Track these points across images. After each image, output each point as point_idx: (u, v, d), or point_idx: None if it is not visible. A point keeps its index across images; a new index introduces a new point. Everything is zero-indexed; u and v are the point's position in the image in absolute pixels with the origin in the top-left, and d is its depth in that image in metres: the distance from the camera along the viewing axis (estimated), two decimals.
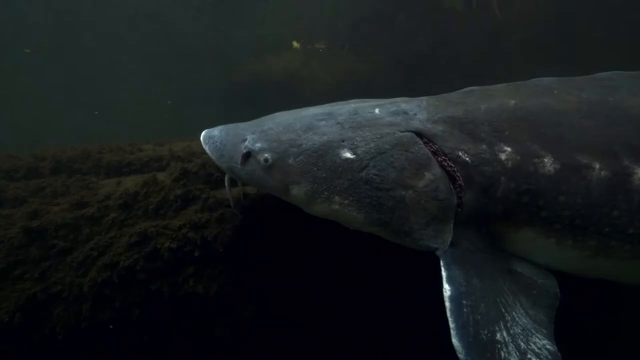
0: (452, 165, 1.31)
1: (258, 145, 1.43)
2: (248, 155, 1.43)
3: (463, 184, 1.31)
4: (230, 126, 1.56)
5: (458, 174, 1.31)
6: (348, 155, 1.34)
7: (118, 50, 9.82)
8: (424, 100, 1.51)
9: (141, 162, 2.10)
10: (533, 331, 1.16)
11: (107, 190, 1.85)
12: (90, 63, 9.69)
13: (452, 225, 1.31)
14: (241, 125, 1.56)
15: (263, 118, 1.60)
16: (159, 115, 8.19)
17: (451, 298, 1.17)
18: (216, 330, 1.62)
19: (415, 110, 1.45)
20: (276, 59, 6.88)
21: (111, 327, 1.50)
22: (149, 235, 1.59)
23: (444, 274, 1.23)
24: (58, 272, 1.56)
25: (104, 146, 2.22)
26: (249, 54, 7.26)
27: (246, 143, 1.45)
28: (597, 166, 1.23)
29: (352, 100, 1.66)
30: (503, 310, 1.19)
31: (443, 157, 1.32)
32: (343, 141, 1.36)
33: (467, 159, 1.31)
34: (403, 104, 1.50)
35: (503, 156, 1.29)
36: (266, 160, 1.41)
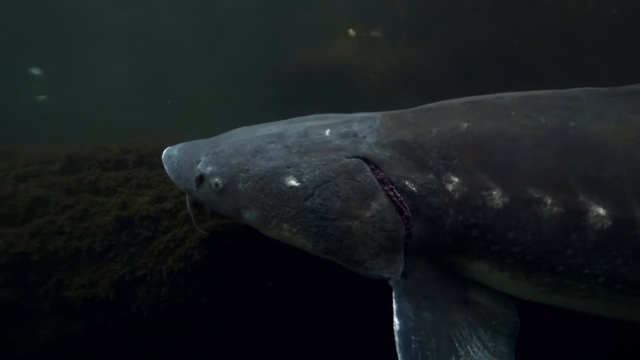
0: (399, 195, 1.24)
1: (209, 169, 1.42)
2: (201, 178, 1.44)
3: (410, 215, 1.24)
4: (189, 145, 1.57)
5: (405, 205, 1.24)
6: (293, 182, 1.30)
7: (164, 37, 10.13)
8: (377, 120, 1.41)
9: None
10: None
11: None
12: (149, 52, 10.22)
13: (402, 256, 1.26)
14: (200, 143, 1.56)
15: (222, 135, 1.60)
16: (206, 105, 8.47)
17: (400, 333, 1.13)
18: (260, 319, 1.78)
19: (366, 132, 1.37)
20: (330, 47, 6.76)
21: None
22: (217, 232, 1.75)
23: (394, 306, 1.19)
24: (142, 257, 1.80)
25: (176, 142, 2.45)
26: (302, 41, 7.22)
27: (199, 166, 1.45)
28: (549, 201, 1.11)
29: (310, 117, 1.59)
30: (457, 344, 1.13)
31: (390, 186, 1.25)
32: (289, 167, 1.33)
33: (413, 188, 1.23)
34: (355, 123, 1.41)
35: (450, 187, 1.20)
36: (217, 184, 1.40)
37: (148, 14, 10.44)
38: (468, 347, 1.13)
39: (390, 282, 1.25)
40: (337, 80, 6.28)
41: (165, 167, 1.52)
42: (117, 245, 1.83)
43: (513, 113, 1.25)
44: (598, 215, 1.08)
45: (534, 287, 1.22)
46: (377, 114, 1.47)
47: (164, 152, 1.56)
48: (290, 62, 6.98)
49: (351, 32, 7.01)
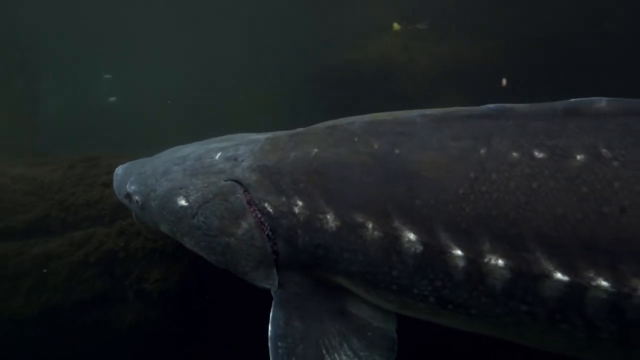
0: (260, 216, 1.36)
1: (132, 187, 1.65)
2: (129, 196, 1.67)
3: (270, 234, 1.35)
4: (130, 164, 1.80)
5: (265, 225, 1.35)
6: (183, 202, 1.46)
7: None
8: (259, 143, 1.52)
9: None
10: None
11: None
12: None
13: (275, 270, 1.36)
14: (137, 163, 1.77)
15: (156, 155, 1.81)
16: (251, 106, 8.71)
17: (270, 339, 1.24)
18: None
19: (244, 157, 1.49)
20: (373, 43, 6.65)
21: None
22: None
23: (270, 315, 1.30)
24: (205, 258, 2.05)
25: None
26: (344, 39, 7.15)
27: (127, 184, 1.67)
28: (370, 226, 1.18)
29: (219, 138, 1.74)
30: (324, 351, 1.21)
31: (254, 207, 1.37)
32: (181, 188, 1.49)
33: (270, 210, 1.34)
34: (242, 147, 1.54)
35: (297, 210, 1.30)
36: (137, 202, 1.63)
37: (196, 20, 11.03)
38: (336, 355, 1.21)
39: (272, 293, 1.38)
40: (381, 78, 6.18)
41: (113, 184, 1.80)
42: (184, 247, 2.10)
43: (356, 139, 1.32)
44: (410, 240, 1.13)
45: (386, 303, 1.28)
46: (263, 137, 1.58)
47: (115, 170, 1.85)
48: (333, 61, 6.98)
49: (395, 26, 6.82)
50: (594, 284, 0.94)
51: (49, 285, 2.05)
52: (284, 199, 1.33)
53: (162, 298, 2.00)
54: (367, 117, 1.41)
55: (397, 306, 1.27)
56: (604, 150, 1.00)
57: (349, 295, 1.35)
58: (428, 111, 1.31)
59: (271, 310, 1.31)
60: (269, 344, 1.24)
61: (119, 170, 1.82)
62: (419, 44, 6.23)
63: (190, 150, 1.69)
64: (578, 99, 1.12)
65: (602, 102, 1.08)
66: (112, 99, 12.68)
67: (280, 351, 1.21)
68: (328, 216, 1.25)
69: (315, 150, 1.35)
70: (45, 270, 2.06)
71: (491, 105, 1.21)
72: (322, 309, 1.32)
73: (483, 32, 5.49)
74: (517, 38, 4.91)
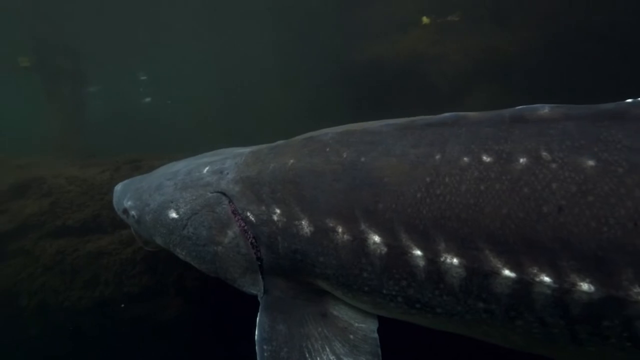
0: (243, 224, 1.42)
1: (129, 203, 1.73)
2: (125, 211, 1.75)
3: (253, 241, 1.41)
4: (128, 181, 1.88)
5: (249, 233, 1.41)
6: (174, 215, 1.54)
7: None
8: (243, 156, 1.58)
9: None
10: None
11: None
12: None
13: (260, 275, 1.42)
14: (136, 179, 1.85)
15: (153, 172, 1.89)
16: (279, 106, 8.74)
17: (256, 342, 1.29)
18: None
19: (229, 170, 1.55)
20: (402, 38, 6.50)
21: None
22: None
23: (257, 319, 1.35)
24: None
25: None
26: (372, 35, 7.02)
27: (124, 200, 1.75)
28: (340, 230, 1.24)
29: (209, 153, 1.82)
30: (307, 355, 1.24)
31: (238, 216, 1.43)
32: (172, 202, 1.57)
33: (252, 218, 1.40)
34: (229, 160, 1.60)
35: (275, 217, 1.36)
36: (133, 216, 1.71)
37: (222, 20, 11.24)
38: (318, 359, 1.24)
39: (259, 298, 1.43)
40: (410, 74, 6.03)
41: (113, 201, 1.90)
42: None
43: (328, 149, 1.38)
44: (375, 242, 1.19)
45: (363, 305, 1.32)
46: (247, 150, 1.65)
47: (114, 187, 1.96)
48: (360, 57, 6.88)
49: (425, 19, 6.62)
50: (537, 280, 0.99)
51: (102, 280, 2.24)
52: (263, 207, 1.40)
53: (201, 295, 2.13)
54: (340, 129, 1.49)
55: (372, 307, 1.31)
56: (544, 154, 1.05)
57: (330, 297, 1.40)
58: (393, 121, 1.39)
59: (258, 315, 1.37)
60: (256, 347, 1.29)
61: (118, 187, 1.90)
62: (450, 38, 6.00)
63: (182, 165, 1.78)
64: (523, 106, 1.18)
65: (545, 109, 1.13)
66: (147, 99, 13.34)
67: (265, 354, 1.27)
68: (303, 222, 1.31)
69: (292, 160, 1.42)
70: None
71: (447, 114, 1.28)
72: (305, 312, 1.37)
73: (520, 22, 5.18)
74: (556, 30, 4.59)
